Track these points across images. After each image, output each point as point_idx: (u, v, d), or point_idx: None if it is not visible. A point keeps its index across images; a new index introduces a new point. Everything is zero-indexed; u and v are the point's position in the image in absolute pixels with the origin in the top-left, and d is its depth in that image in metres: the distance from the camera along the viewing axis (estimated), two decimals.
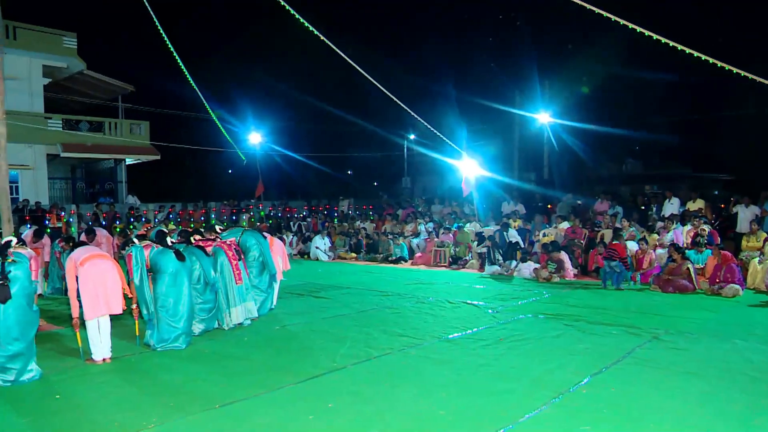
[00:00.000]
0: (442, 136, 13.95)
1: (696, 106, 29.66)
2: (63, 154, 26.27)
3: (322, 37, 10.53)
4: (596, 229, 15.38)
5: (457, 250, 16.83)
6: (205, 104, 13.97)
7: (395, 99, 11.78)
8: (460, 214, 21.70)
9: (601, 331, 8.37)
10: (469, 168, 17.06)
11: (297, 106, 41.68)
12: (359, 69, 10.92)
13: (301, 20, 10.30)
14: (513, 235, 15.95)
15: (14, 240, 6.82)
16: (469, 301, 10.88)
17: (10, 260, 6.36)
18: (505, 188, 23.47)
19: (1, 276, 6.18)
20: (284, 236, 19.14)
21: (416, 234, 19.30)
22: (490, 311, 9.95)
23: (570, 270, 13.64)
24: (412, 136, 36.15)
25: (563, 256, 13.68)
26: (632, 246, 13.18)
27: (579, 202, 21.40)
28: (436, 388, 5.89)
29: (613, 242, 12.68)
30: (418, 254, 17.81)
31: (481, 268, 15.36)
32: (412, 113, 12.37)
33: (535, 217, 18.73)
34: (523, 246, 15.60)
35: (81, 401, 5.79)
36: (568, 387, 5.85)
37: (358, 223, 22.81)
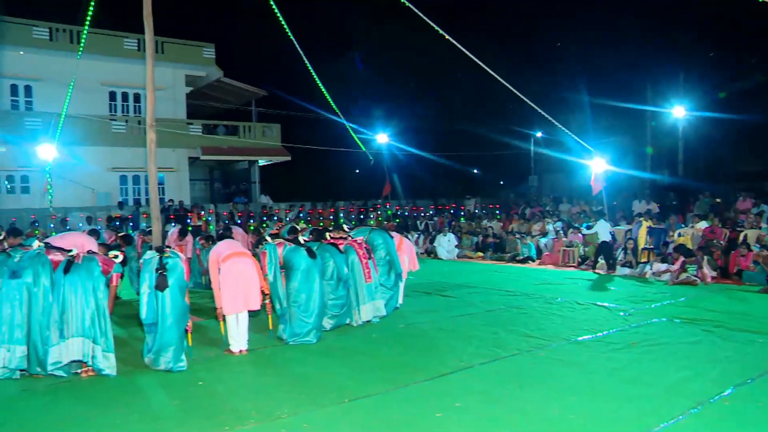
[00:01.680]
0: (570, 133, 13.60)
1: None
2: (202, 157, 28.03)
3: (447, 36, 10.59)
4: (738, 228, 14.45)
5: (586, 250, 16.36)
6: (333, 106, 14.38)
7: (522, 96, 11.63)
8: (590, 213, 21.05)
9: (745, 338, 7.87)
10: (598, 165, 16.51)
11: (423, 106, 41.97)
12: (485, 67, 10.88)
13: (426, 20, 10.41)
14: (604, 235, 15.35)
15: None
16: (599, 303, 10.57)
17: (167, 254, 6.97)
18: (637, 186, 22.49)
19: (160, 267, 6.75)
20: (409, 235, 19.38)
21: (544, 233, 18.95)
22: (621, 314, 9.63)
23: (708, 272, 12.88)
24: (539, 134, 35.41)
25: (700, 257, 12.95)
26: None
27: (718, 200, 20.14)
28: (565, 391, 5.80)
29: None
30: (546, 254, 17.49)
31: (611, 268, 14.84)
32: (540, 110, 12.15)
33: (670, 217, 17.84)
34: (648, 246, 14.92)
35: (221, 389, 6.19)
36: (708, 397, 5.56)
37: (484, 222, 22.70)
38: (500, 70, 11.08)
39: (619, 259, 14.97)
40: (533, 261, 17.56)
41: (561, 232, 18.22)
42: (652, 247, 14.86)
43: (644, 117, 30.13)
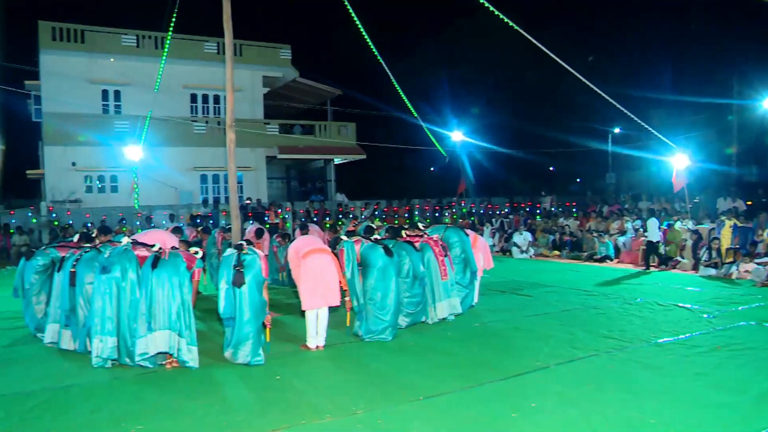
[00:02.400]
0: (650, 128, 13.18)
1: None
2: (279, 156, 28.67)
3: (522, 32, 10.46)
4: None
5: (667, 249, 15.83)
6: (408, 104, 14.42)
7: (600, 92, 11.37)
8: (671, 211, 20.35)
9: None
10: (680, 162, 15.93)
11: (498, 103, 41.59)
12: (561, 62, 10.69)
13: (501, 16, 10.32)
14: (653, 233, 14.80)
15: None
16: (680, 304, 10.23)
17: (245, 251, 7.17)
18: (722, 182, 21.59)
19: (238, 264, 6.96)
20: (485, 228, 19.27)
21: (622, 232, 18.43)
22: (705, 316, 9.29)
23: None
24: (617, 130, 34.48)
25: None
26: None
27: None
28: (645, 395, 5.66)
29: None
30: (625, 252, 17.03)
31: (695, 268, 14.32)
32: (619, 106, 11.84)
33: (759, 215, 17.02)
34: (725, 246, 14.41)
35: (298, 383, 6.33)
36: None
37: (561, 220, 22.31)
38: (578, 66, 10.87)
39: (704, 259, 14.41)
40: (611, 260, 17.14)
41: (640, 230, 17.68)
42: (738, 246, 14.27)
43: (729, 110, 28.88)
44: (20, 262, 8.97)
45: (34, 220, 21.77)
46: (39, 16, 25.03)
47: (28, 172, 27.67)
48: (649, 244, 15.23)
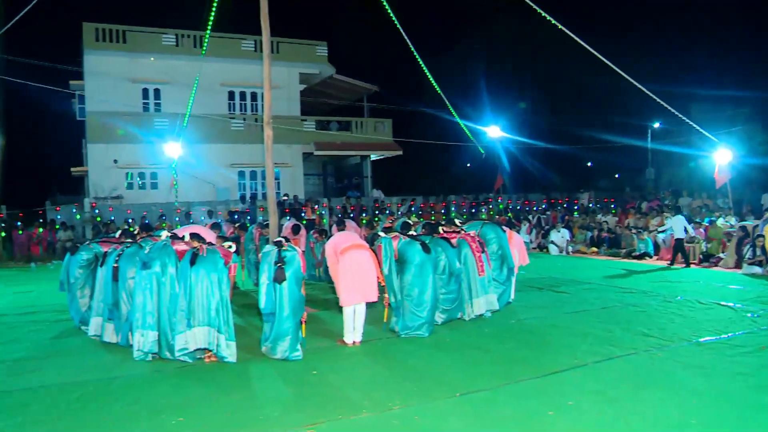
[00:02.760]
0: (691, 122, 12.93)
1: None
2: (316, 152, 28.87)
3: (560, 26, 10.36)
4: None
5: (708, 246, 15.52)
6: (445, 99, 14.38)
7: (639, 86, 11.19)
8: (713, 207, 19.94)
9: None
10: (722, 157, 15.59)
11: (535, 98, 41.22)
12: (599, 56, 10.55)
13: (539, 10, 10.23)
14: (679, 230, 14.53)
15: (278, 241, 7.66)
16: (723, 303, 10.01)
17: (285, 248, 7.27)
18: (766, 178, 21.04)
19: (279, 260, 7.05)
20: (523, 224, 19.13)
21: (662, 228, 18.12)
22: (749, 315, 9.08)
23: None
24: (656, 125, 33.86)
25: None
26: None
27: None
28: (686, 394, 5.56)
29: None
30: (665, 249, 16.73)
31: (737, 266, 14.02)
32: (658, 99, 11.64)
33: None
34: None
35: (335, 378, 6.37)
36: None
37: (599, 216, 22.03)
38: (616, 60, 10.71)
39: (747, 257, 14.09)
40: (650, 257, 16.86)
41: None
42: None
43: None
44: (65, 257, 9.21)
45: (78, 216, 22.31)
46: (83, 17, 25.61)
47: (72, 169, 28.36)
48: (677, 241, 15.00)
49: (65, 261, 9.09)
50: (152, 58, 26.31)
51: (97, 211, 22.20)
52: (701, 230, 16.25)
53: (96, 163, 25.54)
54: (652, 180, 34.05)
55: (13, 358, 7.52)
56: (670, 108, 11.84)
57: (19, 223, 20.86)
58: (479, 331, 8.40)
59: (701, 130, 12.98)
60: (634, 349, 7.17)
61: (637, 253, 17.11)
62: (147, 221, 20.65)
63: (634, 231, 18.26)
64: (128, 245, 8.11)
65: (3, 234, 19.98)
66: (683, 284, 12.22)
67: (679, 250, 15.00)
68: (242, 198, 25.27)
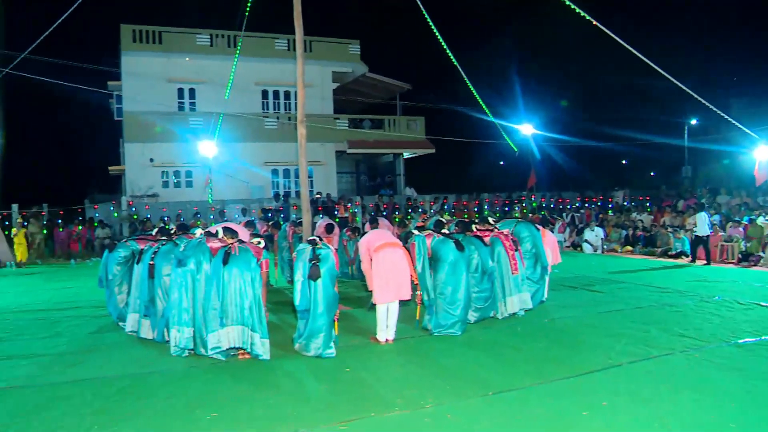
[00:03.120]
0: (730, 118, 12.67)
1: None
2: (349, 151, 28.97)
3: (594, 22, 10.24)
4: None
5: (747, 245, 15.19)
6: (478, 98, 14.31)
7: (676, 81, 11.00)
8: (752, 205, 19.51)
9: None
10: (763, 153, 15.23)
11: (569, 96, 40.78)
12: (634, 51, 10.40)
13: (572, 6, 10.12)
14: (702, 228, 14.24)
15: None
16: (763, 303, 9.79)
17: (318, 246, 7.34)
18: None
19: (313, 257, 7.11)
20: (557, 223, 18.96)
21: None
22: None
23: None
24: (693, 121, 33.23)
25: None
26: None
27: None
28: (723, 397, 5.47)
29: None
30: (701, 249, 16.42)
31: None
32: (695, 95, 11.42)
33: None
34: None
35: (367, 376, 6.39)
36: None
37: (634, 214, 21.72)
38: (652, 55, 10.55)
39: None
40: (687, 256, 16.57)
41: (718, 225, 17.02)
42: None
43: None
44: (104, 254, 9.40)
45: (116, 214, 22.73)
46: (121, 20, 26.10)
47: (110, 168, 28.90)
48: (697, 238, 14.75)
49: (103, 258, 9.26)
50: (187, 58, 26.67)
51: (133, 209, 22.59)
52: (740, 229, 15.91)
53: (133, 161, 26.01)
54: (688, 177, 33.46)
55: (56, 352, 7.71)
56: (708, 104, 11.62)
57: (59, 221, 21.33)
58: (512, 329, 8.35)
59: (741, 127, 12.71)
60: (670, 350, 7.06)
61: (673, 252, 16.84)
62: (182, 219, 20.98)
63: (670, 229, 17.97)
64: (164, 243, 8.23)
65: (45, 231, 20.45)
66: (721, 284, 11.99)
67: (702, 245, 14.81)
68: (275, 196, 25.49)
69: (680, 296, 10.68)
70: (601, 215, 22.77)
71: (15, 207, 20.63)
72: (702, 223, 14.77)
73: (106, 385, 6.22)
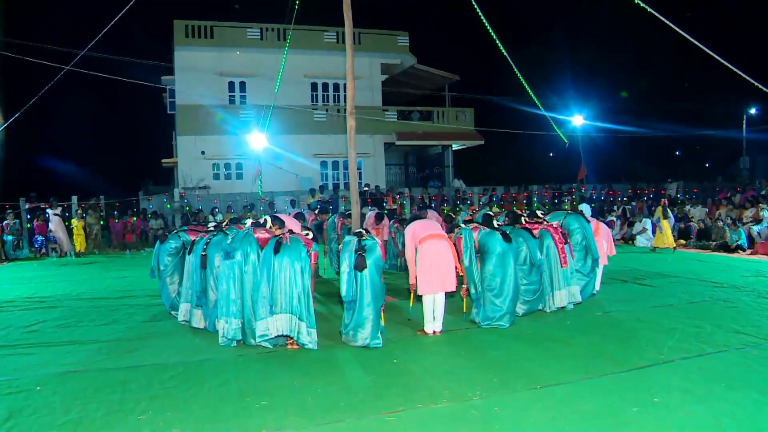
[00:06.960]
0: None
1: None
2: (397, 142, 28.97)
3: (648, 9, 9.98)
4: None
5: None
6: (528, 90, 14.09)
7: (734, 68, 10.65)
8: None
9: None
10: None
11: (621, 86, 39.91)
12: (689, 37, 10.10)
13: None
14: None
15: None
16: None
17: (364, 237, 7.40)
18: None
19: (359, 248, 7.17)
20: (611, 216, 18.60)
21: (758, 220, 17.25)
22: None
23: None
24: (752, 110, 32.12)
25: None
26: None
27: None
28: None
29: None
30: (760, 243, 15.93)
31: None
32: (754, 81, 11.03)
33: None
34: None
35: (415, 368, 6.41)
36: None
37: (688, 207, 21.17)
38: (708, 41, 10.23)
39: None
40: (744, 251, 16.09)
41: None
42: None
43: None
44: (156, 244, 9.64)
45: (168, 206, 23.25)
46: (174, 15, 26.63)
47: (163, 161, 29.56)
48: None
49: (155, 249, 9.50)
50: (238, 52, 27.05)
51: (185, 200, 23.06)
52: None
53: (185, 154, 26.55)
54: (746, 169, 32.41)
55: (112, 339, 7.98)
56: (765, 89, 11.21)
57: (115, 212, 21.94)
58: (561, 323, 8.27)
59: None
60: (726, 347, 6.89)
61: (730, 246, 16.37)
62: (233, 210, 21.33)
63: (726, 223, 17.47)
64: (214, 234, 8.41)
65: (102, 222, 21.07)
66: None
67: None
68: (321, 188, 25.60)
69: (736, 291, 10.39)
70: (653, 208, 22.26)
71: (74, 199, 21.29)
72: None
73: (160, 371, 6.40)
